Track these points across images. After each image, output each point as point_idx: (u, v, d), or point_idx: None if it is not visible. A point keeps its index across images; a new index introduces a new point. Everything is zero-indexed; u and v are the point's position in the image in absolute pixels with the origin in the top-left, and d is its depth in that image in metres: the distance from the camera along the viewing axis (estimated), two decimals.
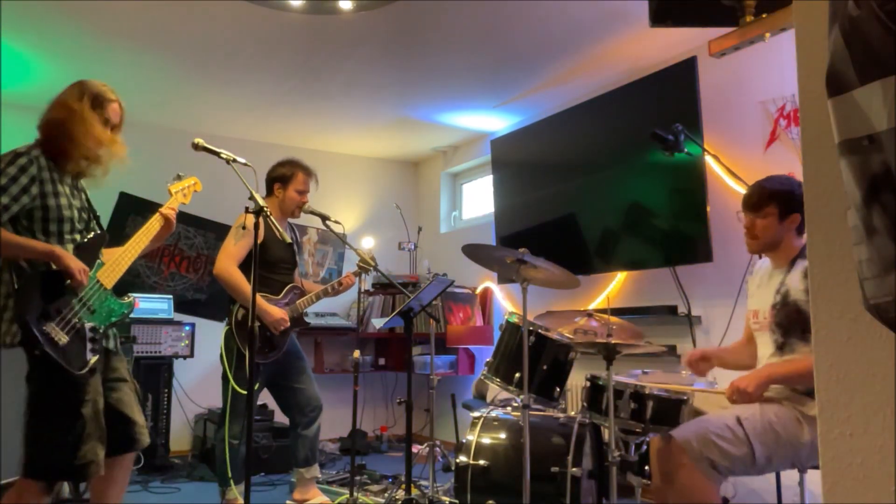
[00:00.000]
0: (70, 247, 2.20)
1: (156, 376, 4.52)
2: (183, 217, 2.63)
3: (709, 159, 3.40)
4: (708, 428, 2.20)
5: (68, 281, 2.12)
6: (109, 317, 2.28)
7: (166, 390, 4.56)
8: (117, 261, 2.32)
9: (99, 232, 2.34)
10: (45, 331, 2.06)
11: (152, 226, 2.43)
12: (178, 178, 2.65)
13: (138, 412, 2.37)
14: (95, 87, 2.30)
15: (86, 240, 2.27)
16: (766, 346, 2.43)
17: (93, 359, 2.16)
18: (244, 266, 3.24)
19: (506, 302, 5.08)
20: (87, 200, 2.37)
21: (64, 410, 2.10)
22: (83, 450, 2.10)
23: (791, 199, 2.38)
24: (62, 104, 2.24)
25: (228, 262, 3.26)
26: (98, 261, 2.29)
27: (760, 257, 2.59)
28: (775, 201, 2.38)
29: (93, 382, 2.17)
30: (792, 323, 2.31)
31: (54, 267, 2.12)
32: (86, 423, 2.12)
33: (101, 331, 2.23)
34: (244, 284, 3.21)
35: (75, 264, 2.12)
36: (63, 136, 2.21)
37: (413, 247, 5.74)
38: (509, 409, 3.08)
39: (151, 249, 2.53)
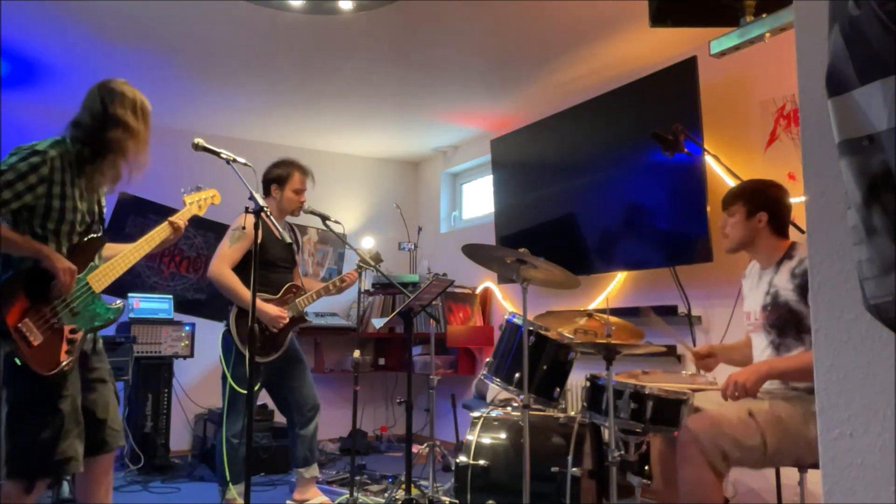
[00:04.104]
0: (66, 246, 2.18)
1: (156, 376, 4.52)
2: None
3: (709, 159, 3.39)
4: (721, 419, 2.22)
5: (53, 281, 2.10)
6: (93, 321, 2.23)
7: (166, 390, 4.56)
8: (112, 265, 2.30)
9: (98, 235, 2.31)
10: (20, 328, 2.04)
11: (157, 234, 2.42)
12: (197, 188, 2.64)
13: (113, 414, 2.31)
14: (143, 101, 2.31)
15: (83, 241, 2.24)
16: (761, 347, 2.44)
17: (65, 361, 2.11)
18: (242, 267, 3.24)
19: (506, 302, 5.08)
20: (98, 202, 2.34)
21: (42, 407, 2.08)
22: (62, 446, 2.08)
23: (757, 198, 2.44)
24: (123, 122, 2.21)
25: (221, 264, 3.27)
26: (92, 263, 2.26)
27: (750, 259, 2.61)
28: (742, 200, 2.46)
29: (71, 379, 2.14)
30: (785, 323, 2.33)
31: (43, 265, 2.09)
32: (64, 419, 2.09)
33: (80, 334, 2.18)
34: (237, 286, 3.22)
35: (61, 265, 2.09)
36: (122, 157, 2.23)
37: (413, 247, 5.74)
38: (509, 409, 3.08)
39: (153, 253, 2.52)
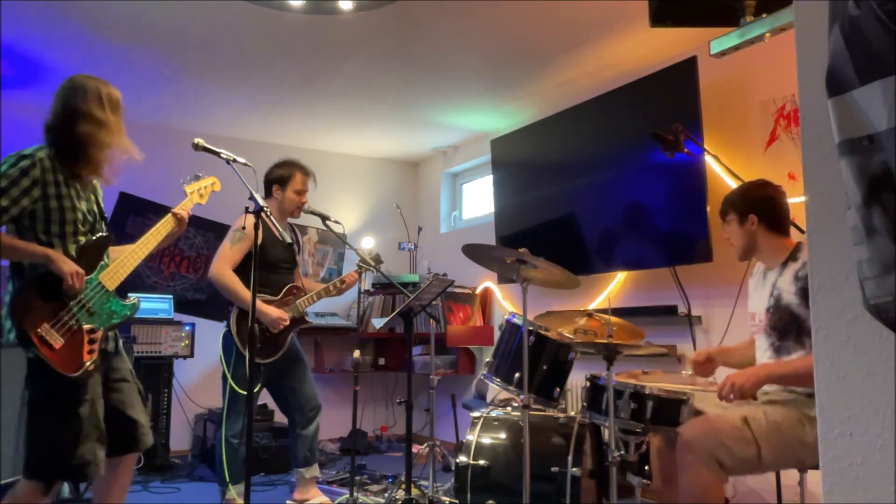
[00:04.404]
0: (73, 248, 2.19)
1: (156, 376, 4.51)
2: None
3: (709, 159, 3.40)
4: (716, 428, 2.21)
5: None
6: (110, 319, 2.26)
7: (166, 390, 4.56)
8: (122, 262, 2.30)
9: (105, 233, 2.32)
10: (40, 333, 2.06)
11: (163, 227, 2.41)
12: (196, 177, 2.64)
13: (141, 412, 2.35)
14: (109, 91, 2.28)
15: (91, 241, 2.25)
16: (763, 349, 2.44)
17: (89, 362, 2.14)
18: (242, 268, 3.24)
19: (506, 302, 5.08)
20: (97, 201, 2.35)
21: (61, 411, 2.10)
22: (80, 450, 2.09)
23: (743, 202, 2.46)
24: (88, 115, 2.19)
25: (222, 265, 3.27)
26: (102, 262, 2.27)
27: (753, 263, 2.61)
28: (731, 207, 2.48)
29: (91, 383, 2.16)
30: (786, 326, 2.32)
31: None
32: (83, 424, 2.10)
33: (99, 333, 2.21)
34: (238, 286, 3.21)
35: (68, 268, 2.10)
36: (97, 149, 2.20)
37: (413, 247, 5.74)
38: (509, 409, 3.08)
39: (157, 249, 2.52)
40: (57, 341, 2.08)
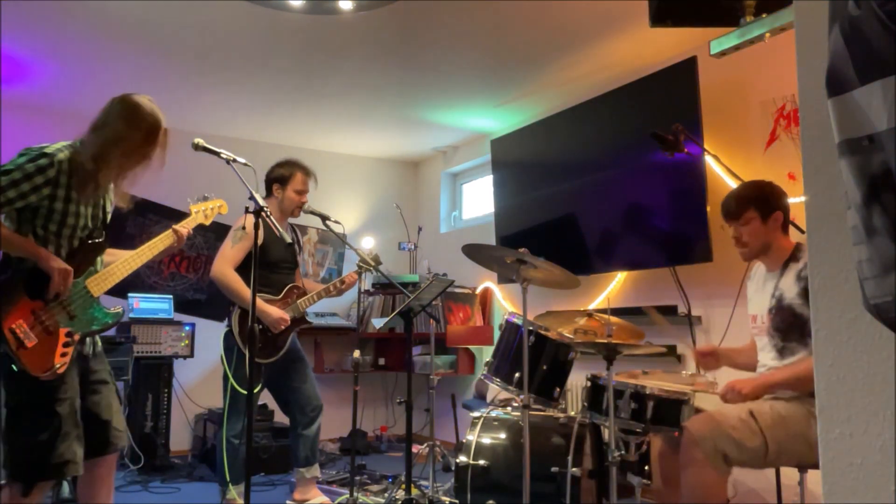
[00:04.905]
0: (65, 250, 2.18)
1: (156, 376, 4.52)
2: (183, 217, 2.62)
3: (709, 159, 3.39)
4: (722, 421, 2.22)
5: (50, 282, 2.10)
6: (90, 325, 2.23)
7: (166, 390, 4.56)
8: (111, 271, 2.29)
9: (100, 240, 2.30)
10: (14, 330, 2.04)
11: (160, 242, 2.41)
12: (205, 198, 2.64)
13: (116, 415, 2.32)
14: (145, 110, 2.22)
15: (84, 245, 2.24)
16: (766, 350, 2.44)
17: (59, 364, 2.10)
18: (244, 267, 3.24)
19: (506, 302, 5.08)
20: (104, 207, 2.33)
21: (39, 409, 2.08)
22: (60, 448, 2.08)
23: (768, 200, 2.41)
24: (107, 129, 2.17)
25: (224, 264, 3.27)
26: (91, 267, 2.26)
27: (751, 265, 2.61)
28: (753, 205, 2.41)
29: (69, 382, 2.14)
30: (789, 327, 2.32)
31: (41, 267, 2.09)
32: (62, 422, 2.09)
33: (76, 337, 2.18)
34: (240, 286, 3.21)
35: (57, 265, 2.09)
36: (108, 164, 2.18)
37: (413, 247, 5.74)
38: (509, 409, 3.08)
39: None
40: (30, 340, 2.06)
